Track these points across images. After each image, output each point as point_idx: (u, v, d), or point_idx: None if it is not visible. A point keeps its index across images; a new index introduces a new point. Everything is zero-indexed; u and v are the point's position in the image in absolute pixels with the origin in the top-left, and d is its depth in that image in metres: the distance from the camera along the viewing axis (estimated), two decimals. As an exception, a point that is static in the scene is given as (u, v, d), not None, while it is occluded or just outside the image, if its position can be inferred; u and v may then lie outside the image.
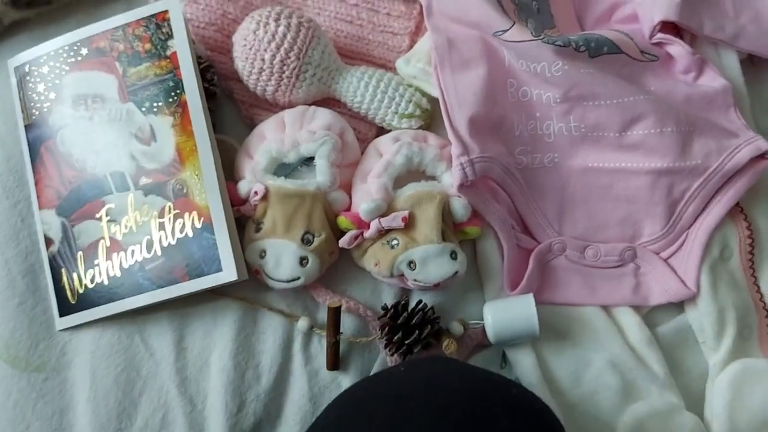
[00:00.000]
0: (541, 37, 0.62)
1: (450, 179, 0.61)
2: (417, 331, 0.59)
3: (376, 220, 0.60)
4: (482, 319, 0.61)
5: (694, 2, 0.65)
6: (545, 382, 0.61)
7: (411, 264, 0.59)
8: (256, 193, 0.61)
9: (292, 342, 0.62)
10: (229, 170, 0.64)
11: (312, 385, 0.61)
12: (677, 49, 0.65)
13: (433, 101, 0.65)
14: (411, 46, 0.69)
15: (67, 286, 0.62)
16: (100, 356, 0.62)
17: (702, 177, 0.62)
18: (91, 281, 0.62)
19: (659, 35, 0.65)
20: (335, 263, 0.63)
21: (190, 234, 0.60)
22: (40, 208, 0.64)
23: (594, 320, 0.63)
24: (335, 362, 0.61)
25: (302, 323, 0.62)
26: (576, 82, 0.62)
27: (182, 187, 0.61)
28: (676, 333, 0.64)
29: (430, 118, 0.66)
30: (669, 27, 0.66)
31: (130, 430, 0.60)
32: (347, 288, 0.64)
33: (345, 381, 0.62)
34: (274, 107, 0.67)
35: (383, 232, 0.61)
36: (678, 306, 0.64)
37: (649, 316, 0.64)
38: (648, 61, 0.66)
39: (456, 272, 0.60)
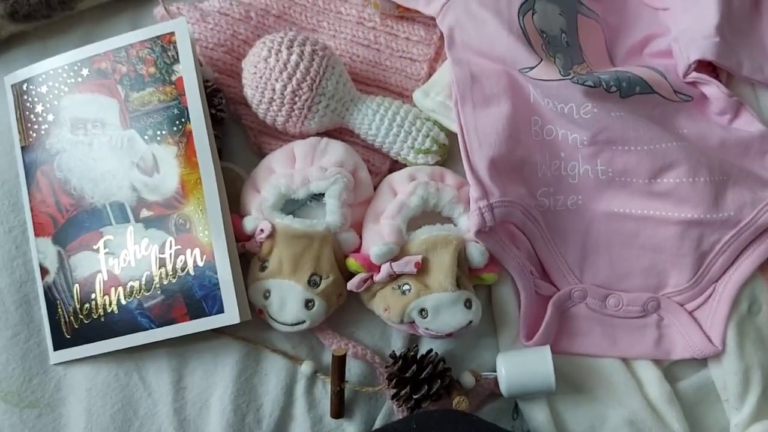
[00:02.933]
0: (570, 77, 0.58)
1: (467, 222, 0.58)
2: (426, 386, 0.56)
3: (388, 264, 0.57)
4: (495, 370, 0.59)
5: (732, 41, 0.61)
6: (559, 438, 0.58)
7: (423, 312, 0.56)
8: (262, 230, 0.58)
9: (295, 385, 0.60)
10: (235, 201, 0.61)
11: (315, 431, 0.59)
12: (713, 89, 0.61)
13: (452, 135, 0.62)
14: (430, 74, 0.65)
15: (62, 320, 0.59)
16: (96, 393, 0.59)
17: (734, 230, 0.59)
18: (87, 316, 0.59)
19: (694, 74, 0.62)
20: (342, 304, 0.60)
21: (192, 272, 0.57)
22: (36, 235, 0.61)
23: (613, 373, 0.60)
24: (340, 410, 0.58)
25: (306, 368, 0.59)
26: (605, 125, 0.58)
27: (185, 222, 0.58)
28: (698, 389, 0.61)
29: (448, 153, 0.63)
30: (705, 65, 0.62)
31: (125, 471, 0.58)
32: (355, 330, 0.61)
33: (350, 429, 0.59)
34: (283, 135, 0.63)
35: (394, 277, 0.57)
36: (701, 360, 0.61)
37: (670, 369, 0.61)
38: (681, 101, 0.62)
39: (470, 322, 0.57)
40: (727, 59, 0.61)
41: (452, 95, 0.60)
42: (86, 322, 0.59)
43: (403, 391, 0.56)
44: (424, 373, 0.56)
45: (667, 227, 0.59)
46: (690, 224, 0.59)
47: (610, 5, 0.67)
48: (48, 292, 0.60)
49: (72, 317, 0.59)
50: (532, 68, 0.59)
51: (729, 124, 0.62)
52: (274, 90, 0.59)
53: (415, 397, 0.56)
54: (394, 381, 0.57)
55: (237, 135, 0.65)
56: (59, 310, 0.60)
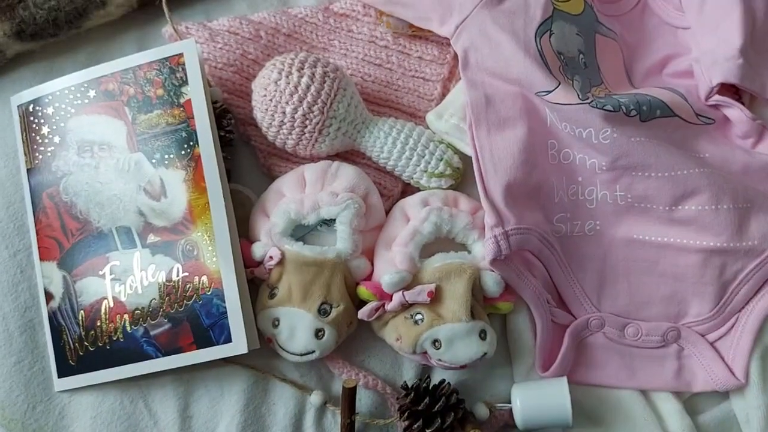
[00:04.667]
0: (588, 101, 0.57)
1: (482, 250, 0.57)
2: (439, 419, 0.54)
3: (400, 292, 0.55)
4: (509, 401, 0.57)
5: (756, 62, 0.60)
6: (575, 473, 0.56)
7: (436, 343, 0.55)
8: (271, 257, 0.56)
9: (304, 416, 0.58)
10: (244, 224, 0.59)
11: (325, 463, 0.57)
12: (736, 113, 0.60)
13: (466, 159, 0.60)
14: (443, 94, 0.64)
15: (67, 346, 0.58)
16: (101, 422, 0.58)
17: (758, 259, 0.57)
18: (93, 343, 0.58)
19: (717, 97, 0.60)
20: (354, 332, 0.59)
21: (199, 300, 0.56)
22: (41, 260, 0.60)
23: (631, 405, 0.58)
24: (350, 442, 0.57)
25: (315, 398, 0.58)
26: (625, 151, 0.56)
27: (192, 249, 0.56)
28: (719, 423, 0.59)
29: (462, 176, 0.61)
30: (727, 87, 0.60)
31: (129, 503, 0.57)
32: (365, 359, 0.60)
33: (360, 461, 0.57)
34: (294, 157, 0.62)
35: (407, 306, 0.56)
36: (722, 393, 0.59)
37: (691, 402, 0.59)
38: (703, 124, 0.60)
39: (484, 354, 0.55)
40: (751, 82, 0.59)
41: (466, 118, 0.59)
42: (91, 349, 0.58)
43: (415, 425, 0.55)
44: (437, 406, 0.55)
45: (688, 255, 0.57)
46: (712, 252, 0.57)
47: (628, 24, 0.66)
48: (53, 317, 0.59)
49: (77, 344, 0.58)
50: (549, 92, 0.57)
51: (752, 148, 0.60)
52: (284, 113, 0.57)
53: (427, 431, 0.54)
54: (406, 413, 0.55)
55: (246, 156, 0.64)
56: (64, 336, 0.58)
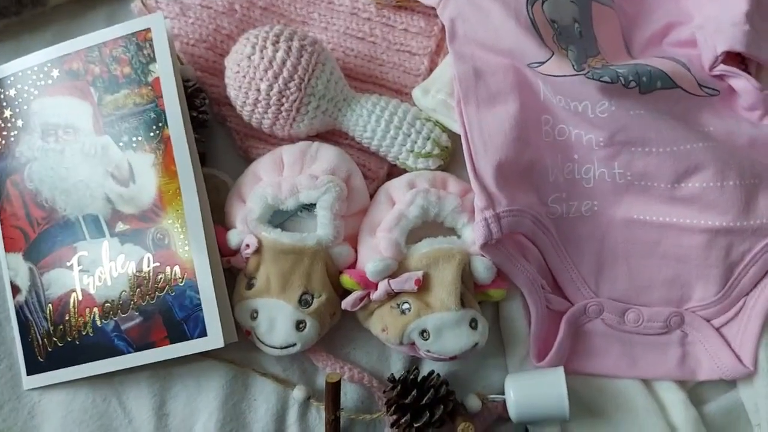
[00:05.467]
0: (584, 72, 0.53)
1: (472, 234, 0.53)
2: (428, 413, 0.51)
3: (385, 281, 0.52)
4: (503, 393, 0.54)
5: (763, 29, 0.56)
6: (573, 467, 0.53)
7: (424, 333, 0.52)
8: (247, 246, 0.53)
9: (286, 412, 0.55)
10: (219, 210, 0.56)
11: (309, 461, 0.54)
12: (742, 83, 0.56)
13: (455, 137, 0.57)
14: (431, 69, 0.60)
15: (35, 342, 0.55)
16: (73, 421, 0.55)
17: (767, 239, 0.53)
18: (62, 339, 0.54)
19: (721, 67, 0.56)
20: (338, 322, 0.56)
21: (172, 291, 0.53)
22: (6, 251, 0.56)
23: (632, 396, 0.55)
24: (335, 439, 0.54)
25: (298, 393, 0.54)
26: (624, 125, 0.53)
27: (163, 237, 0.53)
28: (726, 413, 0.56)
29: (451, 155, 0.58)
30: (732, 56, 0.56)
31: (103, 505, 0.54)
32: (350, 351, 0.57)
33: (346, 458, 0.54)
34: (272, 139, 0.59)
35: (393, 294, 0.53)
36: (729, 381, 0.56)
37: (696, 391, 0.56)
38: (707, 95, 0.57)
39: (476, 344, 0.52)
40: (758, 49, 0.55)
41: (454, 93, 0.55)
42: (60, 345, 0.54)
43: (403, 419, 0.52)
44: (426, 399, 0.52)
45: (691, 236, 0.54)
46: (718, 232, 0.53)
47: (627, -10, 0.62)
48: (20, 312, 0.56)
49: (45, 339, 0.55)
50: (542, 63, 0.53)
51: (759, 121, 0.57)
52: (258, 90, 0.54)
53: (416, 425, 0.51)
54: (393, 407, 0.52)
55: (222, 138, 0.61)
56: (32, 331, 0.55)
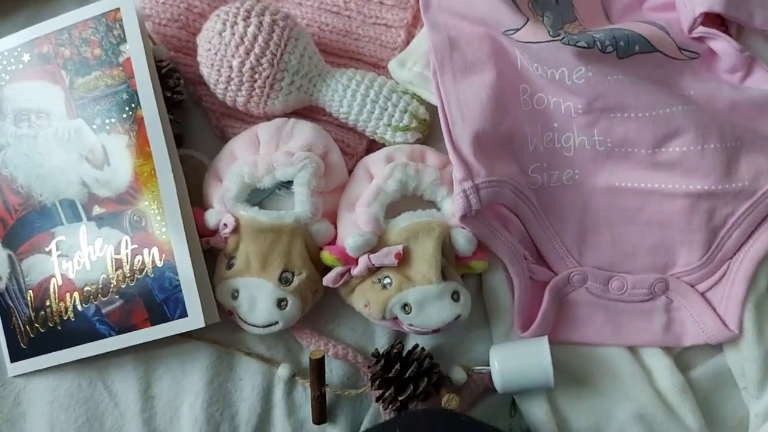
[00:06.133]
0: (560, 37, 0.52)
1: (451, 206, 0.53)
2: (412, 386, 0.51)
3: (365, 256, 0.52)
4: (488, 364, 0.54)
5: (743, -12, 0.55)
6: (561, 436, 0.53)
7: (406, 307, 0.51)
8: (225, 225, 0.52)
9: (272, 390, 0.55)
10: (197, 191, 0.56)
11: (297, 438, 0.54)
12: (722, 44, 0.55)
13: (433, 109, 0.56)
14: (407, 41, 0.59)
15: (17, 329, 0.55)
16: (59, 406, 0.55)
17: (749, 201, 0.53)
18: (43, 324, 0.54)
19: (701, 29, 0.55)
20: (321, 299, 0.55)
21: (151, 273, 0.52)
22: (-16, 239, 0.56)
23: (618, 363, 0.55)
24: (321, 416, 0.54)
25: (283, 371, 0.54)
26: (602, 91, 0.52)
27: (140, 219, 0.53)
28: (713, 377, 0.56)
29: (430, 128, 0.57)
30: (712, 18, 0.56)
31: (93, 489, 0.54)
32: (335, 328, 0.56)
33: (334, 434, 0.54)
34: (248, 117, 0.58)
35: (374, 269, 0.52)
36: (715, 345, 0.56)
37: (682, 356, 0.56)
38: (687, 59, 0.56)
39: (458, 316, 0.51)
40: (737, 10, 0.54)
41: (430, 64, 0.54)
42: (42, 330, 0.54)
43: (387, 393, 0.52)
44: (409, 372, 0.52)
45: (674, 201, 0.54)
46: (700, 197, 0.53)
47: (604, -45, 0.61)
48: (0, 299, 0.55)
49: (27, 326, 0.55)
50: (517, 30, 0.53)
51: (740, 83, 0.56)
52: (231, 67, 0.53)
53: (400, 398, 0.51)
54: (377, 381, 0.52)
55: (198, 118, 0.60)
56: (14, 318, 0.55)
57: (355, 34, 0.60)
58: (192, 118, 0.60)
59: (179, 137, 0.57)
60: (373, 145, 0.58)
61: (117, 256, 0.53)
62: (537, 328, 0.54)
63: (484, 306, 0.56)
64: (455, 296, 0.52)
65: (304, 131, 0.54)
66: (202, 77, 0.56)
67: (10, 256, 0.55)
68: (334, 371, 0.55)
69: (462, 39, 0.54)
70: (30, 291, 0.55)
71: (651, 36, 0.55)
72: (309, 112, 0.58)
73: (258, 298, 0.52)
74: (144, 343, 0.53)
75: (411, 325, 0.52)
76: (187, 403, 0.55)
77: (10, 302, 0.55)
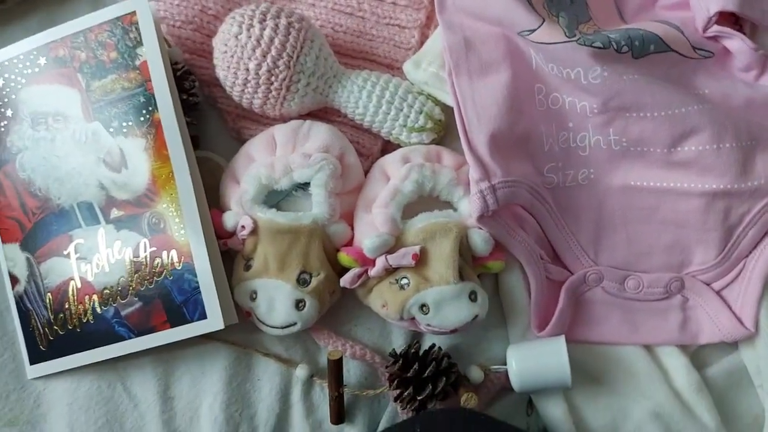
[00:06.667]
0: (575, 38, 0.52)
1: (468, 207, 0.53)
2: (430, 385, 0.51)
3: (383, 256, 0.52)
4: (505, 363, 0.54)
5: (758, -13, 0.55)
6: (578, 434, 0.53)
7: (423, 307, 0.52)
8: (243, 227, 0.53)
9: (290, 390, 0.56)
10: (214, 193, 0.56)
11: (315, 438, 0.55)
12: (737, 43, 0.55)
13: (448, 110, 0.56)
14: (421, 42, 0.59)
15: (36, 331, 0.55)
16: (79, 408, 0.55)
17: (765, 199, 0.53)
18: (62, 327, 0.55)
19: (715, 28, 0.55)
20: (339, 300, 0.56)
21: (170, 275, 0.52)
22: (3, 242, 0.56)
23: (635, 362, 0.55)
24: (340, 416, 0.54)
25: (301, 372, 0.55)
26: (617, 90, 0.52)
27: (159, 222, 0.53)
28: (729, 375, 0.56)
29: (445, 129, 0.57)
30: (726, 17, 0.55)
31: (114, 489, 0.54)
32: (352, 328, 0.57)
33: (352, 434, 0.55)
34: (264, 119, 0.58)
35: (391, 270, 0.52)
36: (731, 343, 0.56)
37: (697, 354, 0.57)
38: (702, 58, 0.56)
39: (476, 316, 0.52)
40: (751, 9, 0.54)
41: (445, 64, 0.54)
42: (61, 333, 0.55)
43: (406, 392, 0.52)
44: (428, 371, 0.52)
45: (689, 200, 0.54)
46: (715, 195, 0.53)
47: (618, -46, 0.61)
48: (20, 302, 0.56)
49: (47, 328, 0.55)
50: (533, 30, 0.53)
51: (755, 81, 0.56)
52: (247, 70, 0.53)
53: (419, 398, 0.52)
54: (395, 381, 0.52)
55: (214, 120, 0.60)
56: (33, 321, 0.55)
57: (369, 35, 0.60)
58: (208, 120, 0.60)
59: (195, 139, 0.57)
60: (388, 146, 0.59)
61: (136, 259, 0.53)
62: (553, 328, 0.54)
63: (501, 306, 0.57)
64: (473, 296, 0.52)
65: (320, 133, 0.54)
66: (217, 79, 0.57)
67: (28, 259, 0.55)
68: (351, 371, 0.55)
69: (477, 39, 0.54)
70: (49, 294, 0.55)
71: (665, 35, 0.55)
72: (324, 113, 0.58)
73: (276, 300, 0.52)
74: (163, 344, 0.54)
75: (429, 325, 0.52)
76: (206, 403, 0.55)
77: (29, 305, 0.55)
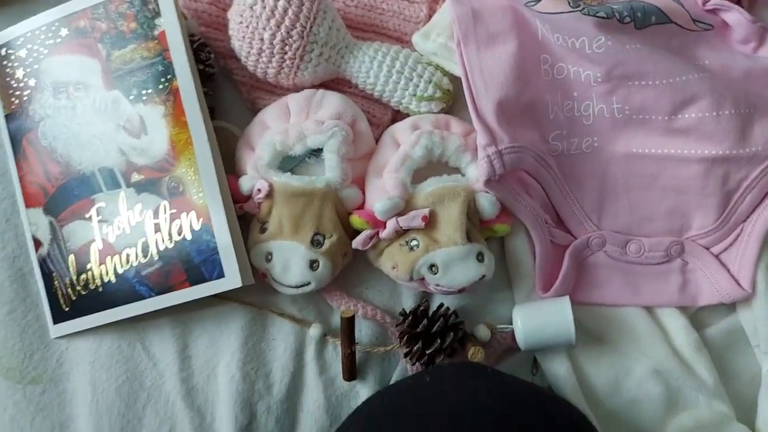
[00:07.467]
0: (580, 8, 0.54)
1: (475, 172, 0.55)
2: (439, 340, 0.54)
3: (393, 219, 0.54)
4: (511, 323, 0.56)
5: (756, -40, 0.57)
6: (581, 391, 0.55)
7: (432, 268, 0.54)
8: (259, 190, 0.55)
9: (304, 349, 0.58)
10: (230, 161, 0.58)
11: (328, 395, 0.57)
12: (735, 16, 0.57)
13: (456, 80, 0.58)
14: (430, 16, 0.61)
15: (59, 292, 0.57)
16: (100, 366, 0.57)
17: (762, 165, 0.55)
18: (85, 287, 0.57)
19: (714, 1, 0.57)
20: (350, 263, 0.58)
21: (189, 236, 0.54)
22: (27, 206, 0.58)
23: (636, 323, 0.57)
24: (352, 372, 0.56)
25: (314, 331, 0.57)
26: (621, 59, 0.54)
27: (177, 185, 0.55)
28: (726, 335, 0.58)
29: (453, 98, 0.59)
30: (726, -11, 0.57)
31: (134, 444, 0.56)
32: (363, 290, 0.59)
33: (364, 390, 0.57)
34: (277, 89, 0.60)
35: (401, 232, 0.54)
36: (729, 305, 0.58)
37: (696, 316, 0.59)
38: (701, 30, 0.58)
39: (483, 276, 0.54)
40: (751, -19, 0.56)
41: (454, 35, 0.56)
42: (84, 293, 0.57)
43: (415, 347, 0.54)
44: (436, 327, 0.54)
45: (689, 166, 0.56)
46: (714, 161, 0.55)
47: (621, -70, 0.62)
48: (43, 264, 0.58)
49: (69, 289, 0.57)
50: (538, 1, 0.54)
51: (753, 53, 0.58)
52: (262, 40, 0.55)
53: (427, 352, 0.54)
54: (405, 338, 0.55)
55: (229, 91, 0.62)
56: (55, 282, 0.57)
57: (379, 9, 0.62)
58: (223, 92, 0.62)
59: (211, 109, 0.59)
60: (398, 116, 0.60)
61: (156, 221, 0.55)
62: (558, 289, 0.56)
63: (506, 269, 0.59)
64: (480, 257, 0.54)
65: (333, 101, 0.56)
66: (232, 51, 0.58)
67: (51, 222, 0.57)
68: (362, 331, 0.57)
69: (485, 11, 0.56)
70: (71, 255, 0.57)
71: (666, 7, 0.57)
72: (336, 84, 0.60)
73: (291, 260, 0.54)
74: (181, 304, 0.56)
75: (438, 285, 0.54)
76: (223, 362, 0.57)
77: (51, 267, 0.57)
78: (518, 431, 0.44)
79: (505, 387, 0.50)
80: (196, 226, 0.54)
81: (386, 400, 0.51)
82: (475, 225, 0.55)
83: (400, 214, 0.54)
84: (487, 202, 0.54)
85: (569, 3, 0.55)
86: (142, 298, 0.55)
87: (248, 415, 0.56)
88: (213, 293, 0.54)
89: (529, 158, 0.55)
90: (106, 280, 0.56)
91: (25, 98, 0.58)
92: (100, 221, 0.56)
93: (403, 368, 0.57)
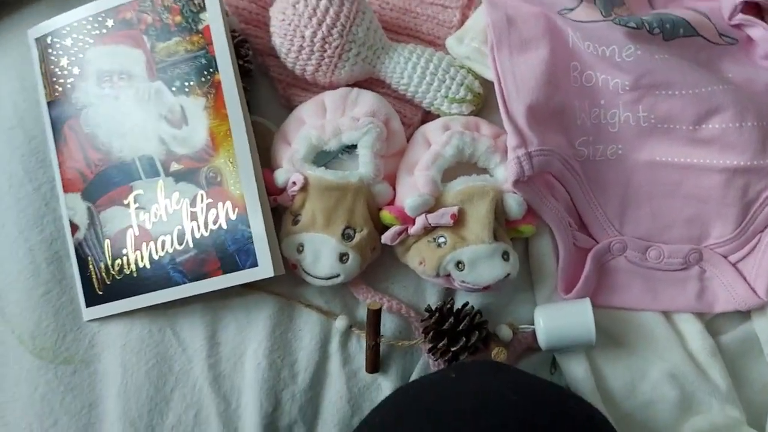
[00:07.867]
0: (611, 18, 0.56)
1: (504, 173, 0.57)
2: (464, 338, 0.55)
3: (423, 216, 0.56)
4: (533, 323, 0.57)
5: (782, -22, 0.58)
6: (598, 392, 0.57)
7: (459, 264, 0.55)
8: (294, 183, 0.56)
9: (329, 340, 0.59)
10: (265, 155, 0.59)
11: (350, 386, 0.58)
12: (759, 31, 0.59)
13: (486, 84, 0.60)
14: (462, 21, 0.63)
15: (94, 276, 0.59)
16: (131, 350, 0.59)
17: (782, 177, 0.56)
18: (119, 272, 0.58)
19: (740, 16, 0.59)
20: (377, 259, 0.59)
21: (224, 225, 0.56)
22: (65, 191, 0.60)
23: (653, 327, 0.59)
24: (375, 365, 0.58)
25: (340, 323, 0.58)
26: (649, 68, 0.56)
27: (215, 175, 0.57)
28: (741, 342, 0.59)
29: (483, 102, 0.61)
30: (751, 7, 0.59)
31: (161, 426, 0.58)
32: (389, 285, 0.60)
33: (386, 383, 0.58)
34: (313, 87, 0.62)
35: (429, 229, 0.56)
36: (744, 313, 0.59)
37: (712, 322, 0.60)
38: (726, 44, 0.60)
39: (508, 275, 0.55)
40: (776, -1, 0.58)
41: (488, 40, 0.58)
42: (118, 278, 0.58)
43: (440, 344, 0.55)
44: (462, 326, 0.55)
45: (711, 176, 0.57)
46: (736, 172, 0.57)
47: (650, -55, 0.64)
48: (79, 248, 0.59)
49: (104, 273, 0.59)
50: (571, 9, 0.56)
51: (776, 68, 0.60)
52: (303, 37, 0.57)
53: (452, 349, 0.55)
54: (430, 334, 0.56)
55: (265, 88, 0.64)
56: (90, 266, 0.59)
57: (413, 13, 0.63)
58: (259, 88, 0.63)
59: (248, 105, 0.61)
60: (428, 117, 0.62)
61: (192, 210, 0.57)
62: (579, 291, 0.58)
63: (529, 271, 0.60)
64: (505, 256, 0.55)
65: (367, 99, 0.58)
66: (270, 48, 0.60)
67: (89, 208, 0.59)
68: (387, 325, 0.59)
69: (519, 17, 0.58)
70: (107, 240, 0.59)
71: (694, 21, 0.58)
72: (368, 83, 0.62)
73: (322, 252, 0.56)
74: (211, 293, 0.57)
75: (463, 281, 0.56)
76: (250, 349, 0.58)
77: (87, 251, 0.59)
78: (541, 430, 0.45)
79: (528, 386, 0.51)
80: (232, 216, 0.56)
81: (412, 393, 0.53)
82: (502, 225, 0.57)
83: (429, 211, 0.56)
84: (514, 203, 0.56)
85: (601, 12, 0.57)
86: (176, 284, 0.57)
87: (273, 402, 0.58)
88: (245, 282, 0.56)
89: (557, 162, 0.56)
90: (141, 265, 0.58)
91: (69, 86, 0.60)
92: (137, 208, 0.58)
93: (425, 363, 0.59)
